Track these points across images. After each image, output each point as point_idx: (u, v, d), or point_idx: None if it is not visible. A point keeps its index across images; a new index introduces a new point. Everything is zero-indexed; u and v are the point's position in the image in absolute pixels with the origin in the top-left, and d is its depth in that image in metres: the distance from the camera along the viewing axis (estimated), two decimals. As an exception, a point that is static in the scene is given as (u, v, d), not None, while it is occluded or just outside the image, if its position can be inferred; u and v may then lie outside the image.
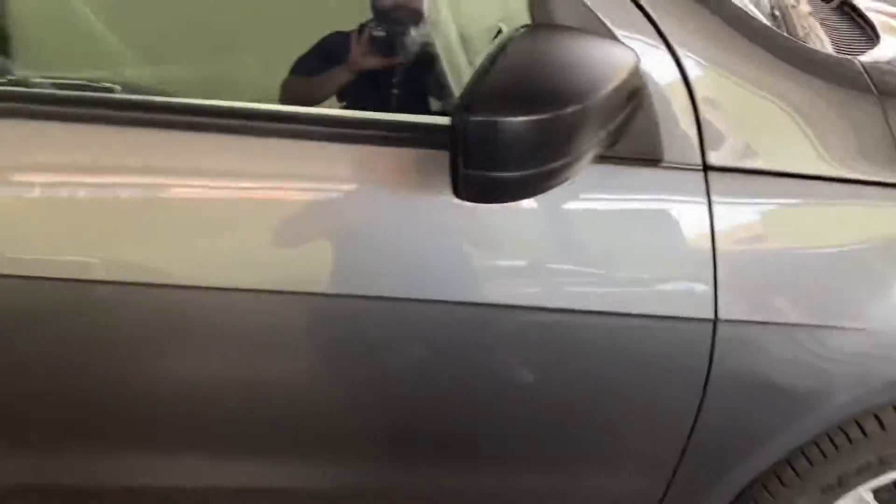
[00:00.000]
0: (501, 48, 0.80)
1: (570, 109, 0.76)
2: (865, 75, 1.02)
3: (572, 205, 0.96)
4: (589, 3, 0.90)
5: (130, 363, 1.02)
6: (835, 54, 1.14)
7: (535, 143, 0.76)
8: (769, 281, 0.98)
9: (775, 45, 0.98)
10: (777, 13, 1.21)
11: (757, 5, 1.20)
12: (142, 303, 0.98)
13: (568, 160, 0.80)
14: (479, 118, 0.75)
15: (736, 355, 0.99)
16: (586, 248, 0.97)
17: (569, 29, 0.89)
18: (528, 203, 0.93)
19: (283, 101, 1.38)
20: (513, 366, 1.02)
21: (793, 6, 1.22)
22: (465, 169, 0.77)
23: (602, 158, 0.92)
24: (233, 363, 1.03)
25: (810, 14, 1.24)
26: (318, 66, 1.41)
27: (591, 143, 0.83)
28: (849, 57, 1.06)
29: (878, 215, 0.98)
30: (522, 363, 1.02)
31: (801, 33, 1.17)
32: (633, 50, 0.88)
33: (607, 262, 0.97)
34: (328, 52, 1.41)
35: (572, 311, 0.97)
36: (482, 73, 0.78)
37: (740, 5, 1.02)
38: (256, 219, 0.97)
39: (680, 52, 0.93)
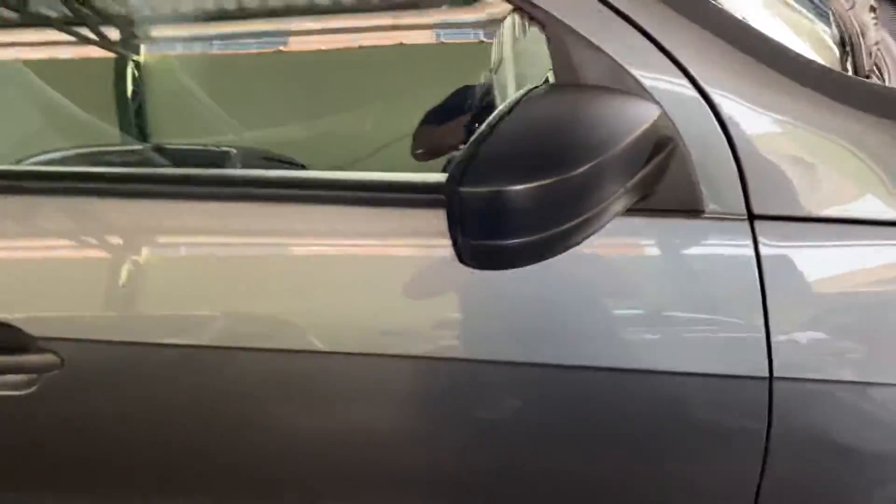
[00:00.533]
0: (506, 112, 0.78)
1: (569, 174, 0.73)
2: None
3: (611, 260, 0.92)
4: (611, 53, 0.87)
5: (256, 426, 1.04)
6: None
7: (537, 209, 0.74)
8: (830, 336, 0.90)
9: (822, 81, 0.91)
10: (847, 42, 1.13)
11: (830, 35, 1.14)
12: (266, 367, 1.00)
13: (580, 221, 0.77)
14: (470, 189, 0.73)
15: (798, 416, 0.92)
16: (628, 305, 0.93)
17: (574, 87, 0.86)
18: (554, 261, 0.88)
19: (413, 150, 1.39)
20: (558, 425, 0.99)
21: (861, 34, 1.14)
22: (463, 238, 0.75)
23: (642, 211, 0.89)
24: (356, 426, 1.03)
25: (877, 44, 1.15)
26: (447, 116, 1.43)
27: (610, 201, 0.80)
28: None
29: None
30: (568, 423, 0.98)
31: (866, 65, 1.09)
32: (653, 102, 0.85)
33: (651, 319, 0.92)
34: (457, 102, 1.43)
35: (618, 370, 0.93)
36: (479, 140, 0.76)
37: (781, 41, 0.96)
38: (381, 285, 0.97)
39: (714, 96, 0.88)
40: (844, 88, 0.93)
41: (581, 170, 0.74)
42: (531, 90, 0.81)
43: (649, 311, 0.92)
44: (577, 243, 0.79)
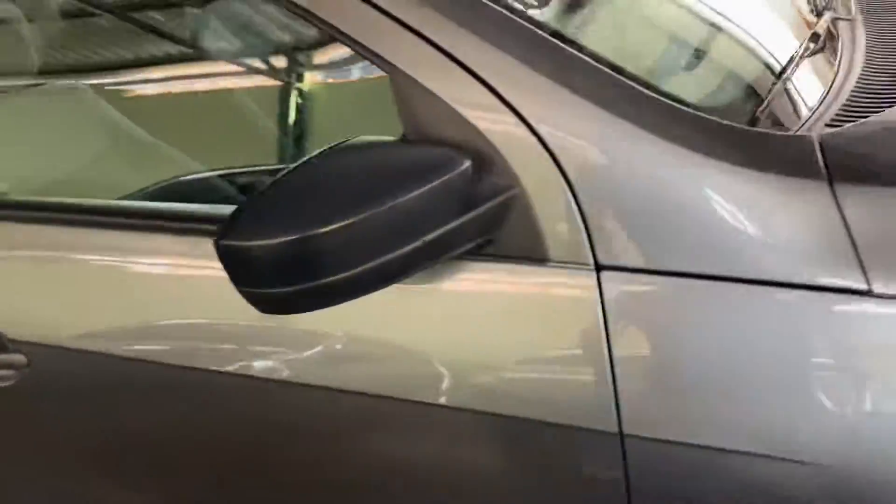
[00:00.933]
0: (288, 171, 0.82)
1: (329, 228, 0.76)
2: (820, 157, 0.84)
3: (449, 302, 0.92)
4: (448, 101, 0.86)
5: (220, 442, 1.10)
6: (783, 133, 0.95)
7: (299, 261, 0.77)
8: (678, 395, 0.85)
9: (680, 129, 0.86)
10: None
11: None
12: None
13: (367, 269, 0.79)
14: (226, 242, 0.78)
15: (654, 478, 0.87)
16: (466, 349, 0.92)
17: (375, 144, 0.87)
18: (394, 297, 0.87)
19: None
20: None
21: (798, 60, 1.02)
22: (234, 285, 0.80)
23: (488, 256, 0.89)
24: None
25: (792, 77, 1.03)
26: None
27: (411, 248, 0.81)
28: (806, 134, 0.88)
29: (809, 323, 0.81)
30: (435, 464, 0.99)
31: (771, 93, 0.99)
32: (460, 153, 0.84)
33: (493, 363, 0.91)
34: None
35: (464, 411, 0.92)
36: (256, 194, 0.81)
37: (640, 87, 0.90)
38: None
39: (553, 142, 0.85)
40: (707, 135, 0.87)
41: (345, 222, 0.76)
42: (326, 149, 0.84)
43: (490, 354, 0.91)
44: (369, 291, 0.82)
